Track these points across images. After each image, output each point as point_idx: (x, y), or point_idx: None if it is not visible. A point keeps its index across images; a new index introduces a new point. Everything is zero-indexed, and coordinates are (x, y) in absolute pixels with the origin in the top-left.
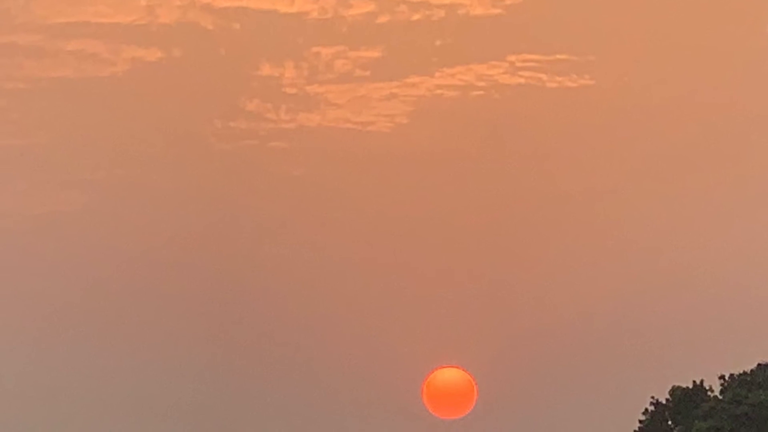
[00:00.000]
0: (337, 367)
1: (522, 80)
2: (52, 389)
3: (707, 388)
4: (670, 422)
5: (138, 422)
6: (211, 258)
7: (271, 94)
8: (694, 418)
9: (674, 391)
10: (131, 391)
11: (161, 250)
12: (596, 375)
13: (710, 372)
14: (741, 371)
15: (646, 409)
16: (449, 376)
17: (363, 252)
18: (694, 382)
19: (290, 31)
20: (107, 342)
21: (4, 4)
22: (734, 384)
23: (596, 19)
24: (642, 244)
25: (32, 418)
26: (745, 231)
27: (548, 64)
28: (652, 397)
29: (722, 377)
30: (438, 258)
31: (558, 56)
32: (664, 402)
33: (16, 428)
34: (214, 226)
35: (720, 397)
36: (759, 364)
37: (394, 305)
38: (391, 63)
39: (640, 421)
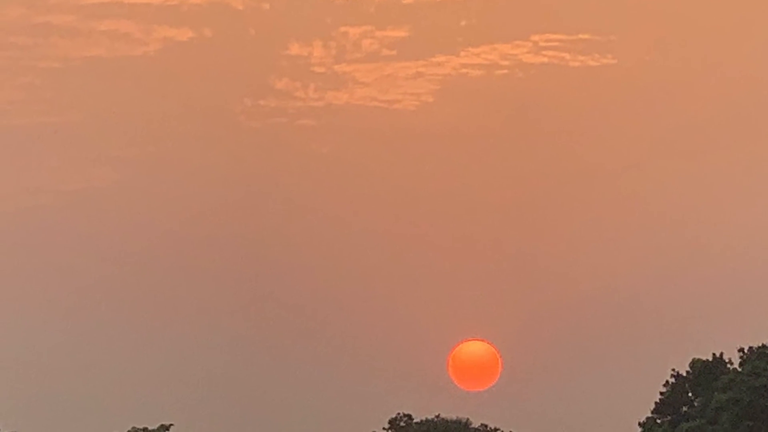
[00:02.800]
0: (365, 340)
1: (545, 59)
2: (84, 360)
3: (727, 360)
4: (690, 394)
5: (169, 392)
6: (241, 233)
7: (300, 73)
8: (714, 389)
9: (694, 363)
10: (162, 362)
11: (192, 225)
12: (619, 348)
13: (730, 345)
14: (760, 344)
15: (667, 381)
16: (474, 348)
17: (389, 227)
18: (714, 354)
19: (318, 10)
20: (139, 314)
21: None
22: (753, 356)
23: None
24: (663, 219)
25: (65, 386)
26: (765, 206)
27: (571, 43)
28: (673, 370)
29: (741, 350)
30: (463, 233)
31: (581, 36)
32: (684, 374)
33: (49, 396)
34: (244, 201)
35: (739, 370)
36: None
37: (420, 279)
38: (417, 42)
39: (661, 393)
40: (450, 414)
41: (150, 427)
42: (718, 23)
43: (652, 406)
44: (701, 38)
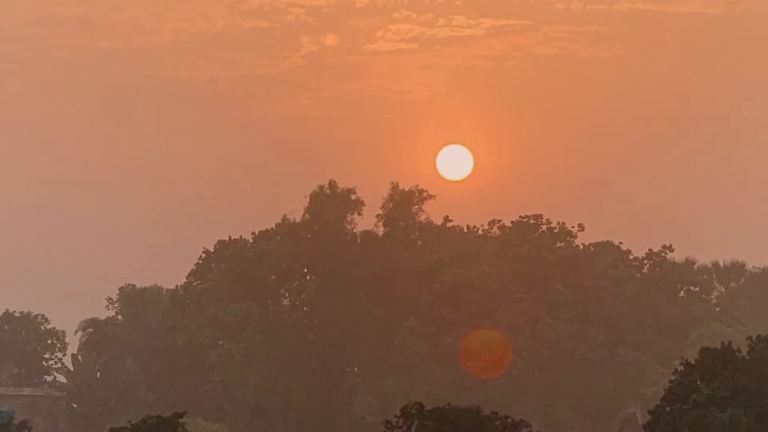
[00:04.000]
0: (374, 329)
1: (555, 50)
2: (97, 350)
3: (735, 348)
4: (699, 382)
5: (180, 382)
6: (250, 224)
7: (313, 64)
8: (722, 378)
9: (703, 351)
10: (173, 353)
11: (203, 215)
12: (629, 337)
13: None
14: None
15: (676, 369)
16: (486, 337)
17: None
18: (723, 342)
19: (331, 2)
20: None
21: None
22: (761, 344)
23: None
24: (669, 207)
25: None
26: None
27: (581, 34)
28: (682, 358)
29: (749, 338)
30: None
31: (590, 27)
32: (693, 362)
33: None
34: (255, 191)
35: (747, 358)
36: None
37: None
38: (428, 34)
39: (670, 381)
40: (461, 402)
41: (163, 415)
42: (724, 17)
43: (662, 394)
44: (708, 32)
